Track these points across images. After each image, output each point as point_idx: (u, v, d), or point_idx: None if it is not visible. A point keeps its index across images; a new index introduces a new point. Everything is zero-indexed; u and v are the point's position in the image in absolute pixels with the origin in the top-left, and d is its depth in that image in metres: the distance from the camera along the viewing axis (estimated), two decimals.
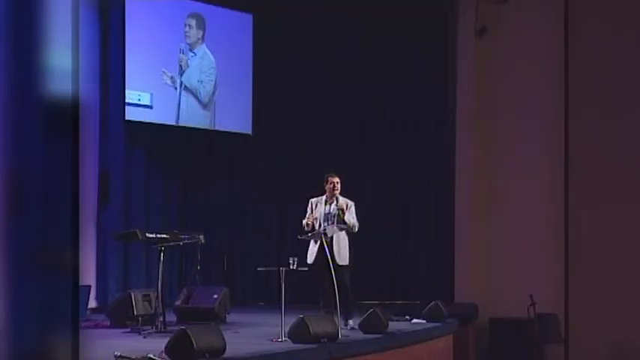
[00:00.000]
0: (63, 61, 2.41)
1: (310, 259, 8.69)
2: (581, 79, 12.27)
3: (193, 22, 12.73)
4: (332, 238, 8.66)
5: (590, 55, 12.23)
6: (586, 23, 12.30)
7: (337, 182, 8.82)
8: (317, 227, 8.72)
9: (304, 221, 8.84)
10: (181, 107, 12.52)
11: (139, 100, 12.08)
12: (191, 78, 12.63)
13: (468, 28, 12.89)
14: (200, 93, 12.75)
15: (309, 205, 8.89)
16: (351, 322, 8.81)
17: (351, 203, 8.86)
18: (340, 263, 8.64)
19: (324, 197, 8.86)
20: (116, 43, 11.82)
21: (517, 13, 12.64)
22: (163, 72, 12.32)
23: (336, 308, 8.21)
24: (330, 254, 8.49)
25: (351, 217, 8.78)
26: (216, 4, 13.08)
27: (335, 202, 8.78)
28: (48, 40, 2.38)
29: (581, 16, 12.35)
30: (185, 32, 12.68)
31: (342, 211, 8.73)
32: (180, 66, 12.53)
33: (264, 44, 13.41)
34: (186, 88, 12.56)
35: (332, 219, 8.75)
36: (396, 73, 14.00)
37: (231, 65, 13.23)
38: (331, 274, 8.35)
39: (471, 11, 12.82)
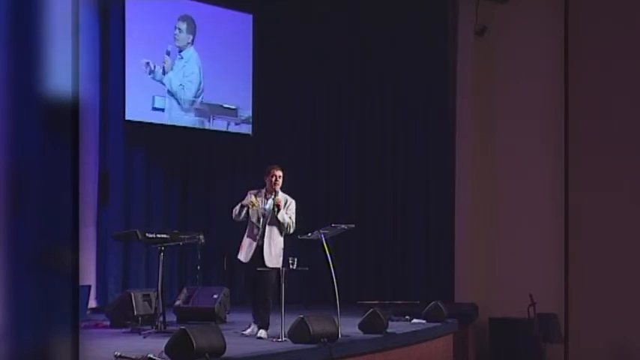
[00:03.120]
0: (63, 62, 2.41)
1: (245, 257, 8.27)
2: (581, 79, 12.26)
3: (184, 26, 12.66)
4: (264, 238, 8.17)
5: (590, 55, 12.22)
6: (586, 23, 12.29)
7: (280, 176, 8.19)
8: (258, 221, 8.18)
9: (240, 204, 8.18)
10: (164, 110, 12.41)
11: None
12: (172, 81, 12.53)
13: (468, 28, 12.88)
14: (180, 97, 12.62)
15: (247, 196, 8.22)
16: (262, 332, 8.11)
17: (291, 201, 8.25)
18: (269, 265, 8.08)
19: (264, 190, 8.26)
20: (116, 43, 11.82)
21: (517, 13, 12.64)
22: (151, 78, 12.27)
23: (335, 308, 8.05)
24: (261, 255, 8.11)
25: (286, 216, 8.15)
26: (216, 5, 13.08)
27: (272, 197, 8.17)
28: (48, 40, 2.38)
29: (581, 16, 12.34)
30: (175, 35, 12.59)
31: (277, 207, 8.11)
32: (164, 68, 12.46)
33: (264, 44, 13.41)
34: (168, 91, 12.46)
35: (268, 215, 8.20)
36: (396, 73, 14.00)
37: (231, 65, 13.21)
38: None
39: (470, 11, 12.80)
